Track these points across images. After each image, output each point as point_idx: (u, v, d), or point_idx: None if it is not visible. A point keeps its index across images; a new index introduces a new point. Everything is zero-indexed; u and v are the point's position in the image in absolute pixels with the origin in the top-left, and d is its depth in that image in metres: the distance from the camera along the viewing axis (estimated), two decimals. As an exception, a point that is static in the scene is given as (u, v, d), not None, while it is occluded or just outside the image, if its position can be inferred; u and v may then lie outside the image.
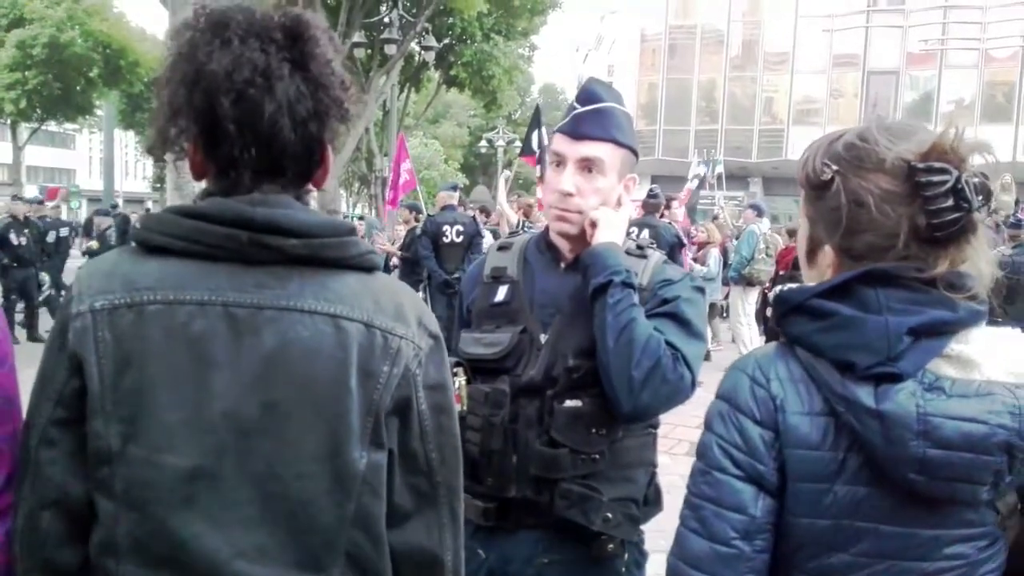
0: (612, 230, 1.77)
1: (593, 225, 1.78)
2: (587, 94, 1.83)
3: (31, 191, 32.40)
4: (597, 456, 1.72)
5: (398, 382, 1.18)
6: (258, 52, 1.11)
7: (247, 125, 1.12)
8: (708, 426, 1.23)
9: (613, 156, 1.80)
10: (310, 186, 1.24)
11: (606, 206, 1.81)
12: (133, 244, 1.18)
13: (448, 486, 1.25)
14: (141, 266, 1.14)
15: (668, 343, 1.67)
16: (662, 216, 8.66)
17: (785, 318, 1.19)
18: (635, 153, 1.86)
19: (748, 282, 10.00)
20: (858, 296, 1.13)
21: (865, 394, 1.10)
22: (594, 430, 1.71)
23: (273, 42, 1.13)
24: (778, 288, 1.21)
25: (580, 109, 1.82)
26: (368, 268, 1.22)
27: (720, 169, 24.87)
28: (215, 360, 1.11)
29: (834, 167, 1.17)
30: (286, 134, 1.13)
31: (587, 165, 1.80)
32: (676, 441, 6.13)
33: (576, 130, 1.81)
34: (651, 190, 8.55)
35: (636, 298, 1.70)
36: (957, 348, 1.12)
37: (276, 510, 1.13)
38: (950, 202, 1.10)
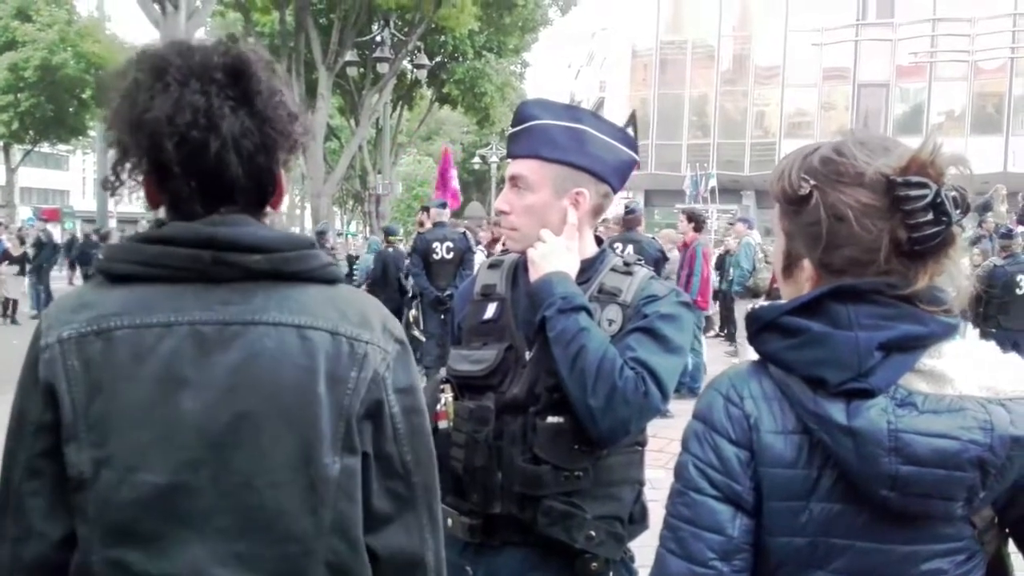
0: (546, 261, 1.77)
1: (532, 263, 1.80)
2: (517, 115, 1.88)
3: (25, 213, 32.41)
4: (580, 473, 1.71)
5: (367, 386, 1.19)
6: (198, 95, 1.13)
7: (191, 164, 1.14)
8: (685, 446, 1.23)
9: (539, 172, 1.81)
10: (268, 209, 1.26)
11: (547, 223, 1.81)
12: (98, 276, 1.20)
13: (425, 486, 1.27)
14: (106, 295, 1.16)
15: (637, 359, 1.67)
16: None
17: (758, 336, 1.19)
18: (586, 169, 1.82)
19: (753, 293, 10.01)
20: (829, 312, 1.13)
21: (837, 411, 1.09)
22: (576, 447, 1.71)
23: (214, 82, 1.15)
24: (750, 305, 1.21)
25: (511, 130, 1.88)
26: (330, 280, 1.24)
27: (713, 183, 24.98)
28: (184, 378, 1.13)
29: (812, 181, 1.17)
30: (233, 169, 1.16)
31: (515, 183, 1.84)
32: (671, 456, 6.09)
33: (508, 150, 1.89)
34: (628, 206, 8.63)
35: (584, 319, 1.70)
36: (930, 363, 1.12)
37: (253, 520, 1.14)
38: (930, 216, 1.10)
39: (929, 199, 1.10)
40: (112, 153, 1.20)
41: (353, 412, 1.18)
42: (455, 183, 13.54)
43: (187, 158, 1.13)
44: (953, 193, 1.11)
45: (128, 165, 1.19)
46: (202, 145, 1.13)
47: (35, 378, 1.15)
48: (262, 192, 1.23)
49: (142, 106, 1.13)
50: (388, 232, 11.20)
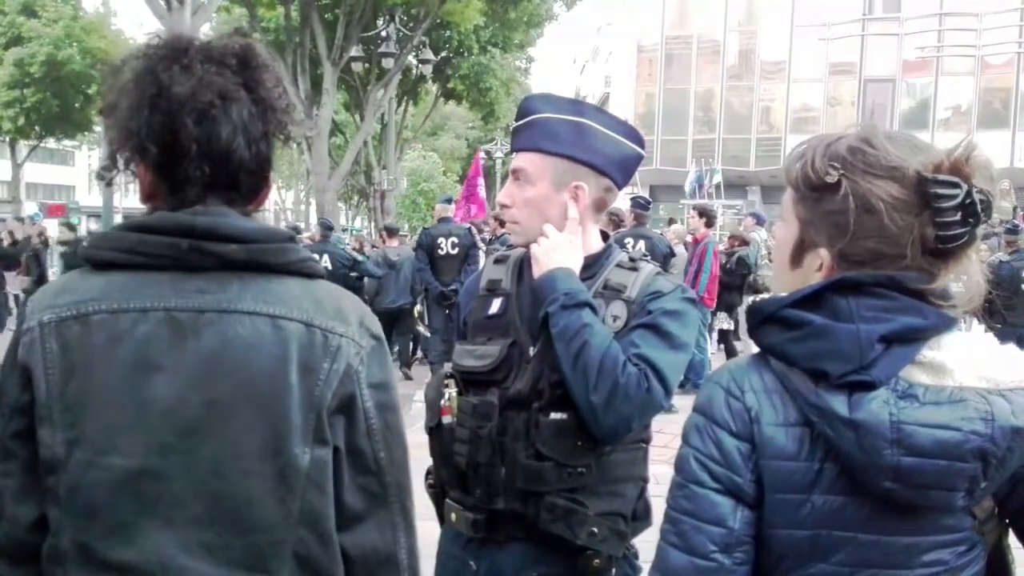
0: (549, 258, 1.77)
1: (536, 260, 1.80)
2: (520, 109, 1.90)
3: (30, 208, 32.49)
4: (583, 470, 1.71)
5: (340, 378, 1.20)
6: (216, 76, 1.17)
7: (206, 144, 1.16)
8: (685, 439, 1.23)
9: (539, 165, 1.82)
10: (252, 206, 1.28)
11: (547, 217, 1.81)
12: (84, 263, 1.22)
13: (398, 484, 1.27)
14: (87, 281, 1.19)
15: (641, 356, 1.67)
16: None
17: (758, 328, 1.19)
18: (586, 162, 1.82)
19: (755, 290, 9.99)
20: (830, 305, 1.13)
21: (839, 403, 1.09)
22: (580, 443, 1.71)
23: (227, 67, 1.19)
24: (750, 299, 1.21)
25: (514, 125, 1.90)
26: (309, 274, 1.25)
27: (718, 178, 24.96)
28: (157, 363, 1.15)
29: (840, 169, 1.15)
30: (242, 152, 1.19)
31: (516, 176, 1.86)
32: (675, 452, 6.08)
33: (512, 144, 1.91)
34: (641, 200, 8.58)
35: (587, 315, 1.70)
36: (930, 355, 1.12)
37: (221, 508, 1.15)
38: (958, 216, 1.11)
39: (960, 199, 1.10)
40: (110, 142, 1.21)
41: (324, 403, 1.19)
42: (482, 191, 13.39)
43: (202, 136, 1.16)
44: (980, 196, 1.11)
45: (128, 152, 1.20)
46: (218, 125, 1.16)
47: (14, 359, 1.17)
48: (259, 181, 1.25)
49: (163, 83, 1.15)
50: (325, 226, 10.70)
